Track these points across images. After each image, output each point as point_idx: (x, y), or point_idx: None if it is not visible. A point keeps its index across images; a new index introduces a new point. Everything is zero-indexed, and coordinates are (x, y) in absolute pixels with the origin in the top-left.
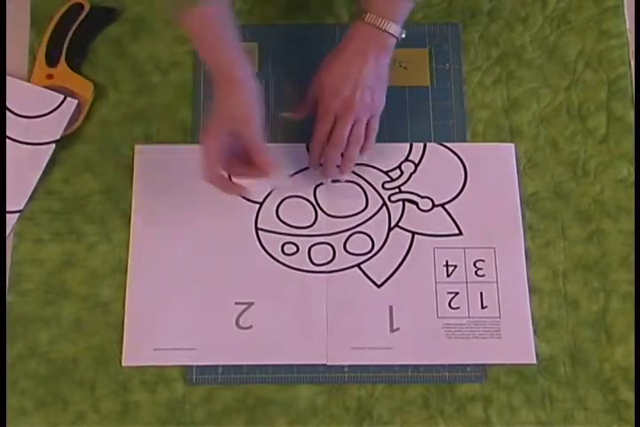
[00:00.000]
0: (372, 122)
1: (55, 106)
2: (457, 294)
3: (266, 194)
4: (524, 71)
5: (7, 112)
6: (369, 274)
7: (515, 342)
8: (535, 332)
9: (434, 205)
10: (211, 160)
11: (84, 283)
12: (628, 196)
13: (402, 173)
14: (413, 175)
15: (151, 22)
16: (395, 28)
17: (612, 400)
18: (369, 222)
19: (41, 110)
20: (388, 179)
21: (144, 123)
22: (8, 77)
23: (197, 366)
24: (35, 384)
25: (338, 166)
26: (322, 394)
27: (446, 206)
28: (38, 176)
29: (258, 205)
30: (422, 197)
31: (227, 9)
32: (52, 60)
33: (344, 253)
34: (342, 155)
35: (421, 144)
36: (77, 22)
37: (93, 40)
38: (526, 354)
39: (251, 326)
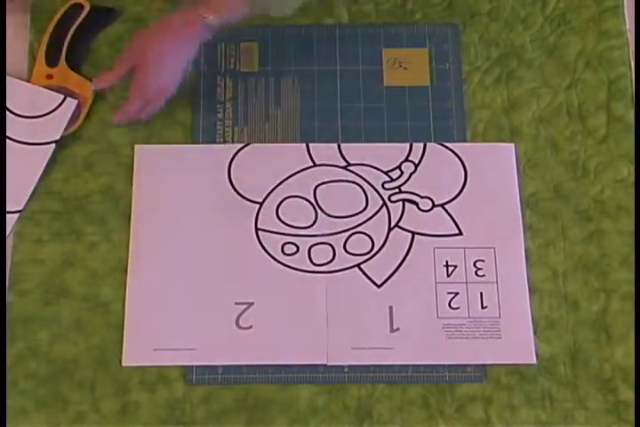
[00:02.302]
0: None
1: (55, 106)
2: (457, 294)
3: (266, 194)
4: (524, 71)
5: (7, 112)
6: (369, 274)
7: (515, 342)
8: (535, 332)
9: (434, 205)
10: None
11: (84, 283)
12: (628, 196)
13: (402, 173)
14: (413, 175)
15: (151, 22)
16: None
17: (612, 400)
18: (369, 222)
19: (41, 110)
20: (388, 179)
21: (144, 123)
22: (8, 77)
23: (197, 366)
24: (35, 384)
25: None
26: (322, 394)
27: (446, 206)
28: (38, 176)
29: (258, 206)
30: (422, 197)
31: None
32: (51, 60)
33: (344, 253)
34: None
35: (421, 144)
36: (77, 22)
37: (93, 40)
38: (526, 354)
39: (251, 326)
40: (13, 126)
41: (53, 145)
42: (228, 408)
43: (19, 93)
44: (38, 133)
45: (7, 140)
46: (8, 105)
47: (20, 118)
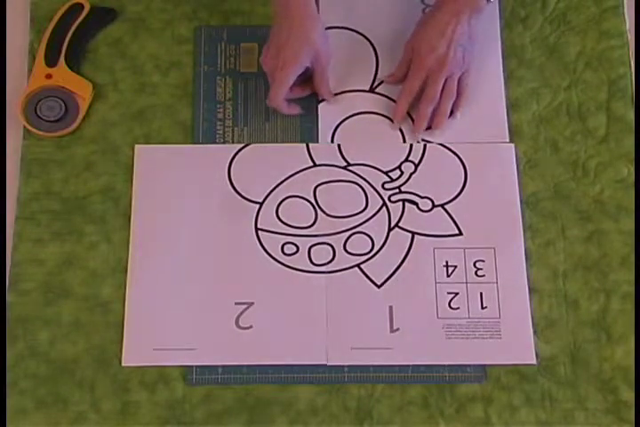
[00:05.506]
0: (464, 78)
1: None
2: (457, 294)
3: (266, 194)
4: (524, 71)
5: None
6: (369, 274)
7: (515, 343)
8: (535, 332)
9: (434, 206)
10: (286, 85)
11: (84, 283)
12: (628, 196)
13: (402, 173)
14: (413, 175)
15: (151, 22)
16: None
17: (612, 400)
18: (369, 223)
19: None
20: (388, 179)
21: (144, 123)
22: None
23: (197, 366)
24: (35, 384)
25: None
26: (322, 394)
27: (446, 206)
28: None
29: (258, 206)
30: (422, 198)
31: None
32: (51, 60)
33: (344, 253)
34: (434, 111)
35: (421, 144)
36: (77, 22)
37: (93, 40)
38: (526, 354)
39: (251, 326)
40: None
41: None
42: (228, 408)
43: None
44: None
45: None
46: None
47: None
